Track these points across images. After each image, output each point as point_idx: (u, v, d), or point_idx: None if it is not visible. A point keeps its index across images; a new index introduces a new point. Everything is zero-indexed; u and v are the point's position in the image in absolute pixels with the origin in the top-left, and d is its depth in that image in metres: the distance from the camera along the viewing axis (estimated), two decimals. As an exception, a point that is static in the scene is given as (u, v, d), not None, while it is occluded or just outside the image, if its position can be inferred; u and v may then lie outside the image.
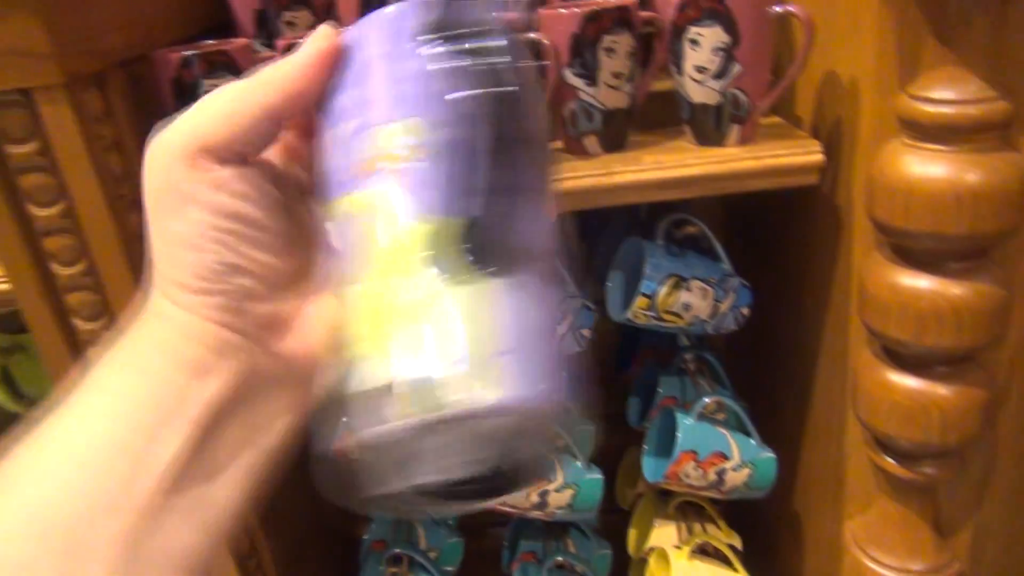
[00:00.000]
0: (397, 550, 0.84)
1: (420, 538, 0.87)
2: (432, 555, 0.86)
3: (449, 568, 0.87)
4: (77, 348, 0.57)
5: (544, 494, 0.73)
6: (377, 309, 0.25)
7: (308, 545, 0.89)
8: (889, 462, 0.60)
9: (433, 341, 0.23)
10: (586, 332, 0.70)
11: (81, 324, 0.56)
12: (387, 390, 0.23)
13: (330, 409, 0.26)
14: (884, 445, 0.61)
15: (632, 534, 0.89)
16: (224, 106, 0.28)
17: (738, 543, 0.83)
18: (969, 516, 0.63)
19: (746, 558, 0.83)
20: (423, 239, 0.24)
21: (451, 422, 0.22)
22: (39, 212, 0.53)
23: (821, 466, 0.76)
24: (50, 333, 0.56)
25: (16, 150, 0.50)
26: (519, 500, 0.73)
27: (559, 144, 0.66)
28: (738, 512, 0.91)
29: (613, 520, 0.94)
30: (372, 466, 0.23)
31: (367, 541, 0.86)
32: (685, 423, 0.72)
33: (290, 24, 0.67)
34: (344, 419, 0.24)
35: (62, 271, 0.54)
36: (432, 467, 0.22)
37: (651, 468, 0.76)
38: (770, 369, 0.86)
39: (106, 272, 0.55)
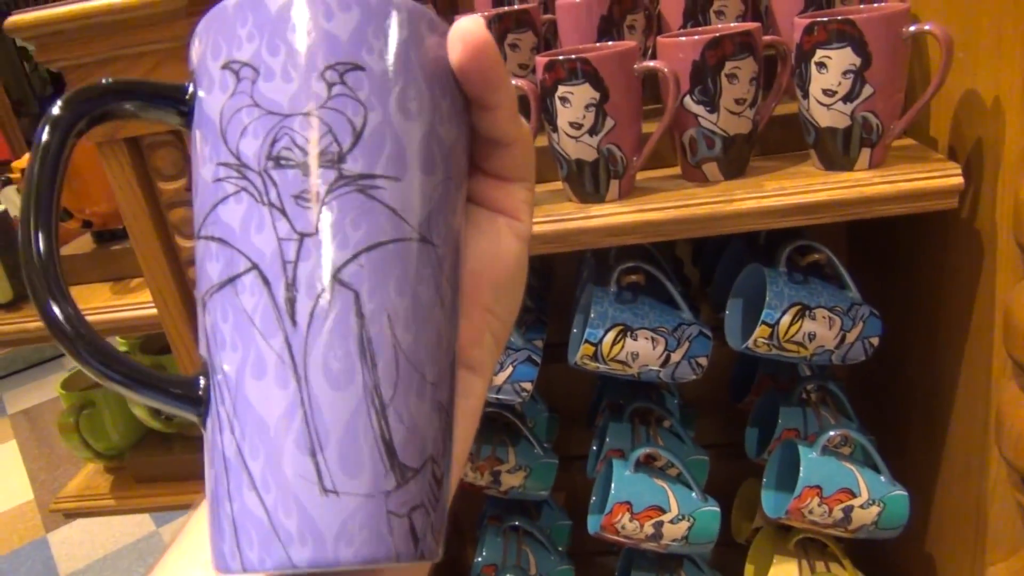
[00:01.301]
0: (507, 569, 0.84)
1: (531, 564, 0.87)
2: (543, 582, 0.86)
3: (560, 595, 0.87)
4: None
5: (659, 525, 0.71)
6: None
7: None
8: (1040, 507, 0.56)
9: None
10: (702, 360, 0.68)
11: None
12: None
13: None
14: (1034, 488, 0.57)
15: (749, 570, 0.86)
16: None
17: (865, 585, 0.79)
18: None
19: (873, 602, 0.79)
20: None
21: None
22: (184, 243, 0.56)
23: (958, 507, 0.71)
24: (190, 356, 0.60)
25: (167, 186, 0.54)
26: (633, 531, 0.72)
27: (677, 171, 0.66)
28: (864, 551, 0.87)
29: (727, 554, 0.91)
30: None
31: (478, 565, 0.86)
32: (809, 457, 0.69)
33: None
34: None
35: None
36: None
37: (771, 503, 0.73)
38: (899, 402, 0.82)
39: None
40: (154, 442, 1.04)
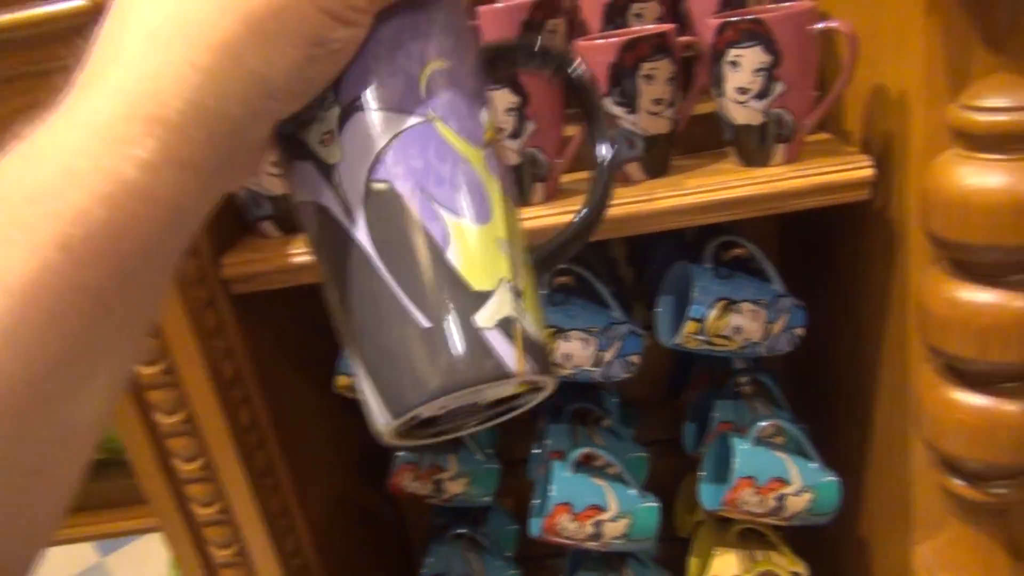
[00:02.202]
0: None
1: (478, 571, 0.86)
2: (490, 587, 0.86)
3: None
4: (138, 393, 0.59)
5: (599, 524, 0.72)
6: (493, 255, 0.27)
7: (366, 579, 0.89)
8: (958, 484, 0.58)
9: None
10: (635, 358, 0.69)
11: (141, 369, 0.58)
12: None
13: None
14: (952, 467, 0.58)
15: (693, 563, 0.87)
16: None
17: (803, 570, 0.81)
18: (1048, 539, 0.61)
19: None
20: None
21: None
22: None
23: (886, 490, 0.73)
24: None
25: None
26: (574, 531, 0.72)
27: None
28: (802, 538, 0.89)
29: (672, 548, 0.92)
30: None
31: (424, 575, 0.85)
32: (742, 448, 0.70)
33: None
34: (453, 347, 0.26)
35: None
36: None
37: (708, 495, 0.74)
38: (828, 391, 0.84)
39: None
40: (89, 469, 1.00)
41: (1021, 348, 0.51)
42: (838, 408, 0.81)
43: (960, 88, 0.50)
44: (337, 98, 0.27)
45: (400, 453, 0.78)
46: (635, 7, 0.69)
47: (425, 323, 0.25)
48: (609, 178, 0.33)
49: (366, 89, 0.27)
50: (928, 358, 0.59)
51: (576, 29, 0.73)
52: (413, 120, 0.27)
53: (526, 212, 0.62)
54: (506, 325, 0.26)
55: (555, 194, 0.64)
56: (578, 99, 0.33)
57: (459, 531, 0.87)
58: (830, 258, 0.78)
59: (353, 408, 0.87)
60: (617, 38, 0.59)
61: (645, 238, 0.87)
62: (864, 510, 0.79)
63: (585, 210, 0.32)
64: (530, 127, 0.59)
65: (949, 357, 0.54)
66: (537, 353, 0.27)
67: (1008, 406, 0.53)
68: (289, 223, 0.64)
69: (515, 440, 0.97)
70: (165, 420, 0.59)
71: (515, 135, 0.60)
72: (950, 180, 0.50)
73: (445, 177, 0.26)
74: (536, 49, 0.32)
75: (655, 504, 0.74)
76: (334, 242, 0.27)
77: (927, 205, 0.52)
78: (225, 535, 0.63)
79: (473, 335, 0.25)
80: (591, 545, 0.74)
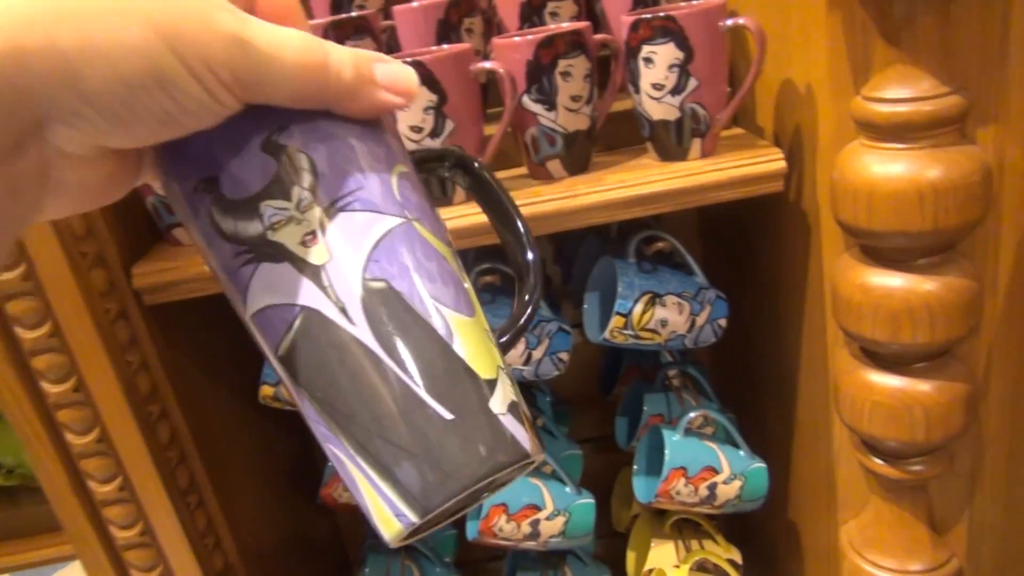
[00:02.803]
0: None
1: (416, 577, 0.85)
2: (429, 595, 0.85)
3: (447, 606, 0.86)
4: (47, 412, 0.56)
5: (536, 523, 0.72)
6: (484, 346, 0.27)
7: (302, 594, 0.87)
8: (878, 463, 0.60)
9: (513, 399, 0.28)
10: (564, 356, 0.69)
11: (49, 387, 0.55)
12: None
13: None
14: (871, 446, 0.60)
15: (630, 556, 0.88)
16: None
17: (737, 557, 0.82)
18: (963, 511, 0.63)
19: (746, 572, 0.82)
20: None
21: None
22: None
23: (812, 472, 0.75)
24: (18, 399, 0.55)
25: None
26: (511, 532, 0.72)
27: (524, 170, 0.66)
28: (736, 525, 0.90)
29: (612, 544, 0.93)
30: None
31: (362, 585, 0.84)
32: (672, 440, 0.71)
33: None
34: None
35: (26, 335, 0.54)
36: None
37: (642, 488, 0.75)
38: (754, 379, 0.86)
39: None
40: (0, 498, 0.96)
41: (930, 329, 0.53)
42: (763, 396, 0.83)
43: (863, 81, 0.52)
44: (315, 199, 0.26)
45: (330, 467, 0.76)
46: (551, 6, 0.69)
47: (447, 415, 0.25)
48: (539, 283, 0.34)
49: (347, 191, 0.26)
50: (844, 342, 0.61)
51: (493, 28, 0.73)
52: (396, 220, 0.27)
53: (448, 212, 0.61)
54: (514, 410, 0.27)
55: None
56: (493, 203, 0.34)
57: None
58: (749, 250, 0.80)
59: (280, 419, 0.85)
60: (533, 36, 0.59)
61: (570, 237, 0.88)
62: (792, 494, 0.81)
63: (521, 320, 0.33)
64: (449, 126, 0.59)
65: (863, 341, 0.56)
66: (536, 431, 0.28)
67: (921, 386, 0.56)
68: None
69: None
70: (77, 440, 0.56)
71: (434, 134, 0.59)
72: (855, 169, 0.52)
73: (434, 274, 0.27)
74: (455, 159, 0.34)
75: (591, 501, 0.75)
76: (330, 345, 0.26)
77: (835, 194, 0.54)
78: (148, 558, 0.60)
79: (494, 422, 0.26)
80: (529, 545, 0.74)
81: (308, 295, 0.26)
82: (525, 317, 0.33)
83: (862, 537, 0.65)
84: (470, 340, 0.27)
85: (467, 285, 0.29)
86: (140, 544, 0.60)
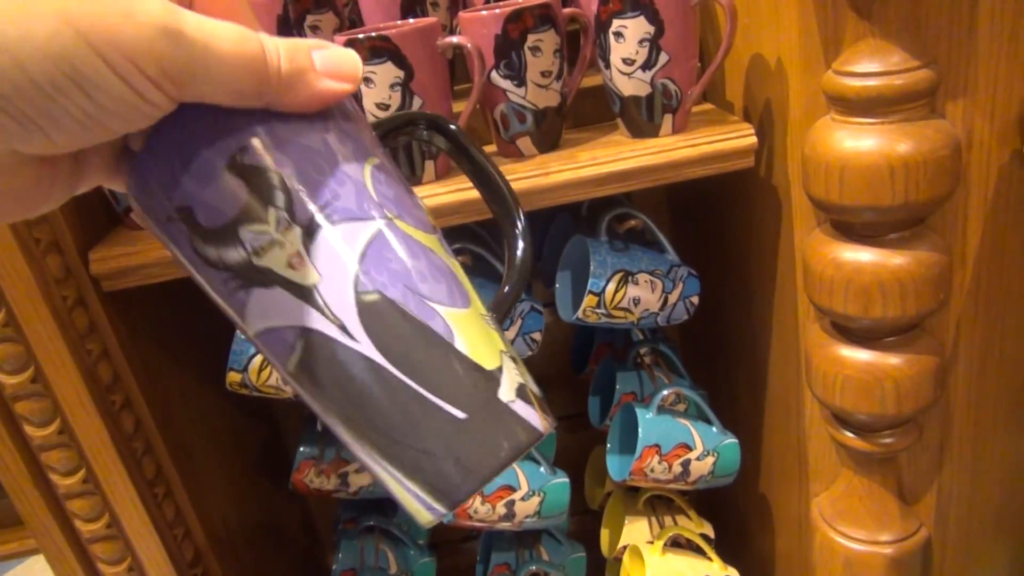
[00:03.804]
0: (367, 570, 0.81)
1: (391, 562, 0.85)
2: (404, 577, 0.84)
3: (422, 588, 0.85)
4: (3, 404, 0.54)
5: (511, 504, 0.71)
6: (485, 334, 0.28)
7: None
8: (848, 436, 0.60)
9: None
10: (536, 336, 0.69)
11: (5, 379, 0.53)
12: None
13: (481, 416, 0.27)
14: (842, 420, 0.61)
15: (604, 534, 0.89)
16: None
17: (710, 531, 0.83)
18: (931, 482, 0.64)
19: (719, 546, 0.83)
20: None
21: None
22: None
23: (783, 447, 0.76)
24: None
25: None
26: (486, 514, 0.72)
27: (493, 148, 0.65)
28: (708, 501, 0.91)
29: (585, 522, 0.93)
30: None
31: (336, 572, 0.83)
32: (646, 417, 0.71)
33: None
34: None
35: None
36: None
37: (616, 466, 0.75)
38: (726, 356, 0.86)
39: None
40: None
41: (900, 303, 0.53)
42: (736, 372, 0.84)
43: (833, 55, 0.52)
44: (293, 219, 0.25)
45: (301, 448, 0.75)
46: (519, -20, 0.68)
47: (461, 415, 0.26)
48: (529, 245, 0.33)
49: (323, 204, 0.26)
50: (815, 317, 0.61)
51: (459, 2, 0.71)
52: (377, 224, 0.26)
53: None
54: (523, 392, 0.27)
55: (446, 172, 0.62)
56: (472, 164, 0.34)
57: (369, 523, 0.85)
58: (719, 227, 0.80)
59: (249, 405, 0.84)
60: (501, 9, 0.58)
61: (542, 216, 0.87)
62: (764, 469, 0.82)
63: (510, 286, 0.32)
64: (417, 102, 0.58)
65: (834, 315, 0.56)
66: (546, 405, 0.28)
67: (891, 360, 0.56)
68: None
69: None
70: (37, 433, 0.54)
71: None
72: (826, 144, 0.52)
73: (424, 272, 0.27)
74: (427, 121, 0.33)
75: (565, 480, 0.74)
76: (336, 362, 0.26)
77: (806, 169, 0.54)
78: (115, 551, 0.59)
79: (505, 411, 0.27)
80: (504, 526, 0.73)
81: (306, 316, 0.26)
82: (515, 281, 0.32)
83: (833, 509, 0.65)
84: (471, 334, 0.27)
85: (457, 270, 0.28)
86: (106, 537, 0.58)
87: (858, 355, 0.57)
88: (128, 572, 0.60)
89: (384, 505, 0.89)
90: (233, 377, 0.64)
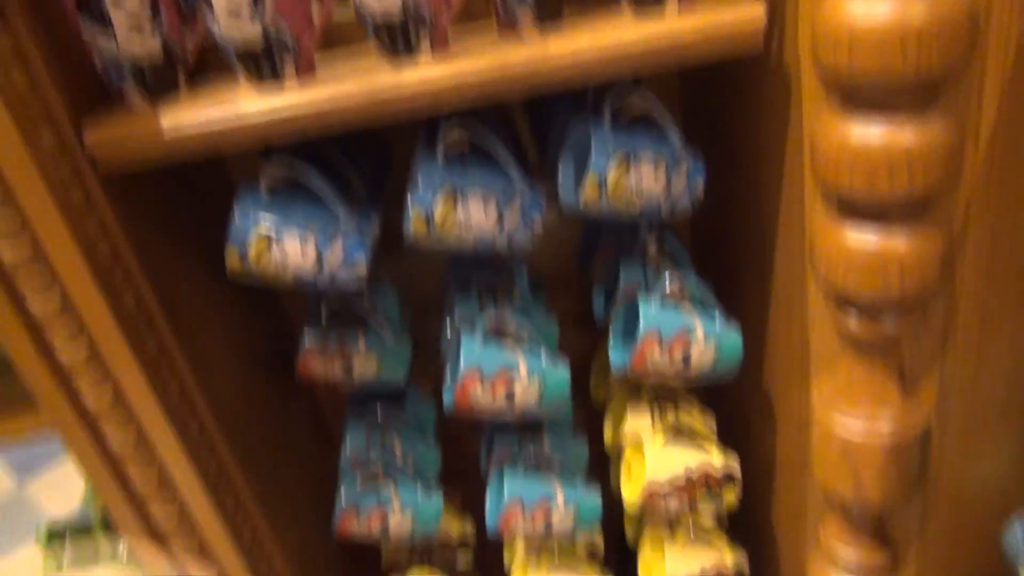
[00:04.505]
0: (374, 459, 0.83)
1: (397, 450, 0.86)
2: (409, 464, 0.86)
3: (428, 476, 0.87)
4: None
5: (511, 391, 0.72)
6: None
7: (282, 466, 0.89)
8: (852, 321, 0.60)
9: None
10: (538, 219, 0.67)
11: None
12: None
13: None
14: (845, 305, 0.60)
15: (607, 427, 0.90)
16: None
17: (712, 423, 0.84)
18: (933, 368, 0.64)
19: (720, 441, 0.84)
20: None
21: None
22: None
23: (787, 340, 0.76)
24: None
25: None
26: (487, 401, 0.72)
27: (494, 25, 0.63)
28: (710, 397, 0.92)
29: (587, 420, 0.94)
30: None
31: (344, 459, 0.85)
32: (647, 306, 0.71)
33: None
34: None
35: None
36: None
37: (618, 356, 0.75)
38: (731, 248, 0.85)
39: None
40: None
41: (908, 180, 0.52)
42: (741, 264, 0.83)
43: (848, -86, 0.49)
44: None
45: (306, 335, 0.76)
46: None
47: None
48: None
49: None
50: (821, 198, 0.60)
51: None
52: None
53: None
54: None
55: (443, 44, 0.60)
56: None
57: (376, 414, 0.87)
58: (730, 122, 0.78)
59: (254, 299, 0.84)
60: None
61: (544, 107, 0.85)
62: (767, 364, 0.82)
63: None
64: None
65: (841, 193, 0.55)
66: None
67: (897, 240, 0.55)
68: (159, 89, 0.59)
69: (429, 322, 0.96)
70: (39, 303, 0.55)
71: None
72: (838, 11, 0.49)
73: None
74: None
75: (566, 368, 0.75)
76: None
77: (817, 38, 0.51)
78: (121, 420, 0.60)
79: None
80: (504, 414, 0.74)
81: None
82: None
83: (833, 398, 0.65)
84: None
85: None
86: (112, 411, 0.60)
87: (864, 236, 0.56)
88: (136, 445, 0.61)
89: (392, 399, 0.91)
90: (233, 260, 0.64)
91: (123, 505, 0.66)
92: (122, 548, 0.99)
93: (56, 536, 0.99)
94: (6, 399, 0.85)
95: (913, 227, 0.55)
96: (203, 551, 0.71)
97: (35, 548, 0.99)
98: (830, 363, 0.67)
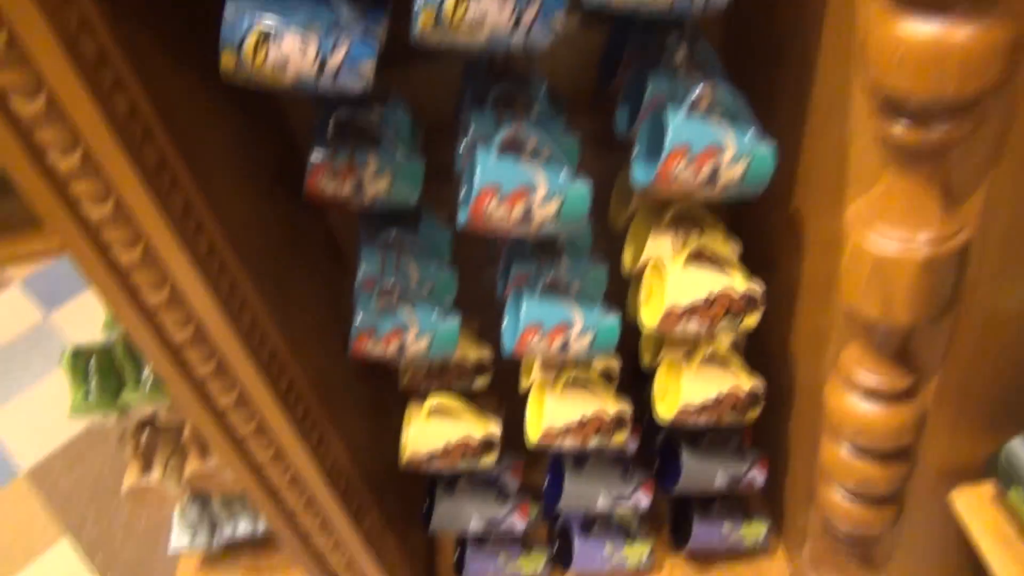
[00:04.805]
0: (390, 282, 0.82)
1: (412, 273, 0.85)
2: (425, 288, 0.85)
3: (445, 299, 0.86)
4: None
5: (528, 206, 0.69)
6: None
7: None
8: (899, 128, 0.55)
9: None
10: (558, 21, 0.61)
11: None
12: None
13: None
14: (895, 109, 0.55)
15: (627, 251, 0.87)
16: None
17: (736, 245, 0.81)
18: (982, 180, 0.59)
19: (744, 266, 0.81)
20: None
21: None
22: None
23: (824, 154, 0.71)
24: None
25: None
26: (502, 217, 0.69)
27: None
28: (738, 220, 0.88)
29: (606, 243, 0.91)
30: None
31: (359, 281, 0.84)
32: (675, 117, 0.66)
33: None
34: None
35: None
36: None
37: (641, 171, 0.71)
38: (768, 54, 0.79)
39: None
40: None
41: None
42: (779, 72, 0.77)
43: None
44: None
45: (313, 151, 0.72)
46: None
47: None
48: None
49: None
50: (878, -10, 0.54)
51: None
52: None
53: None
54: None
55: None
56: None
57: (391, 236, 0.85)
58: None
59: (258, 112, 0.80)
60: None
61: None
62: (799, 180, 0.78)
63: None
64: None
65: (902, -22, 0.49)
66: None
67: (959, 31, 0.49)
68: None
69: (442, 143, 0.92)
70: (24, 106, 0.51)
71: None
72: None
73: None
74: None
75: (586, 185, 0.71)
76: None
77: None
78: (125, 232, 0.58)
79: None
80: (520, 231, 0.71)
81: None
82: None
83: (870, 212, 0.62)
84: None
85: None
86: (114, 220, 0.57)
87: (921, 27, 0.50)
88: (142, 257, 0.60)
89: (406, 221, 0.88)
90: (227, 59, 0.59)
91: (138, 323, 0.65)
92: (147, 372, 1.01)
93: (80, 360, 1.01)
94: (11, 222, 0.84)
95: (978, 17, 0.49)
96: (221, 369, 0.71)
97: (61, 375, 1.01)
98: (868, 180, 0.63)
